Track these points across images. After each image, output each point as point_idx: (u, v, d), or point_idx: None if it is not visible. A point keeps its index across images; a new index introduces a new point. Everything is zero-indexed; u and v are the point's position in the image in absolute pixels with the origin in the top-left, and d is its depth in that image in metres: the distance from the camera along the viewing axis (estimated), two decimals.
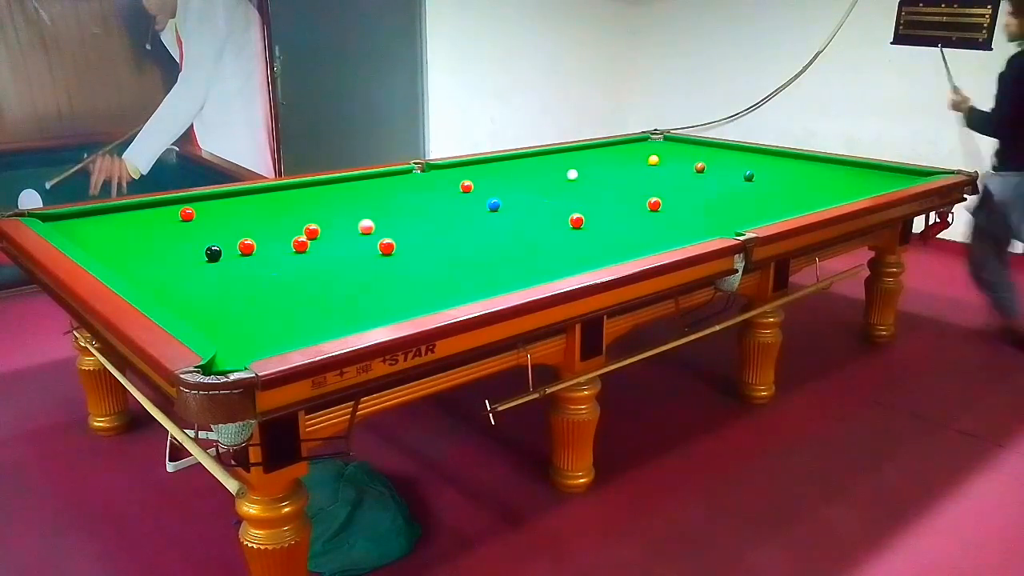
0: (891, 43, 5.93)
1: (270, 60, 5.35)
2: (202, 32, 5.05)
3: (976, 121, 4.04)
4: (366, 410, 2.09)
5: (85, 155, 4.77)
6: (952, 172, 4.07)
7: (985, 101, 5.60)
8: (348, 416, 2.03)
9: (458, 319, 2.10)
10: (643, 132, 5.36)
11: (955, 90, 4.14)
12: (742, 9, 6.74)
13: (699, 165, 4.25)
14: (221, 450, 1.94)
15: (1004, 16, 4.09)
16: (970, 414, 3.43)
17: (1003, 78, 3.94)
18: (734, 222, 3.05)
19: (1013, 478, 2.97)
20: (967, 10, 5.54)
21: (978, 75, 5.54)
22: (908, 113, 5.91)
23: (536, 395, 2.50)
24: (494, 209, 3.32)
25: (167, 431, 2.21)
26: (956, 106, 4.11)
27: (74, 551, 2.51)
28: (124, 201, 3.39)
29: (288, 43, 5.59)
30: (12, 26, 4.41)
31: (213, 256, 2.65)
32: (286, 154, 5.58)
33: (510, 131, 6.70)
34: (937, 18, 5.68)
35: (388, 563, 2.43)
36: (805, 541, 2.60)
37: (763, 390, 3.46)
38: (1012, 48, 4.01)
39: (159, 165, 5.03)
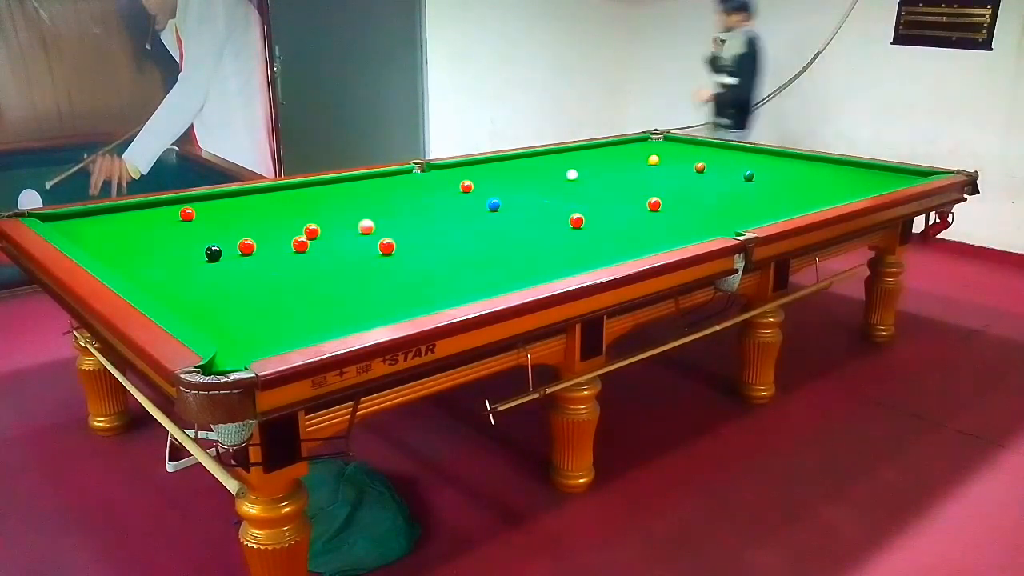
0: (891, 43, 5.93)
1: (270, 60, 5.34)
2: (202, 32, 5.05)
3: (724, 105, 5.29)
4: (366, 410, 2.08)
5: (85, 155, 4.77)
6: (952, 172, 4.07)
7: (983, 98, 5.62)
8: (348, 416, 2.03)
9: (458, 319, 2.09)
10: (643, 132, 5.36)
11: (699, 91, 5.48)
12: None
13: (699, 165, 4.25)
14: (221, 450, 1.94)
15: (722, 14, 5.30)
16: (970, 414, 3.43)
17: (745, 58, 5.12)
18: (734, 222, 3.05)
19: (1013, 478, 2.97)
20: (967, 10, 5.54)
21: (979, 74, 5.59)
22: (908, 113, 5.91)
23: (536, 395, 2.50)
24: (494, 209, 3.31)
25: (167, 431, 2.22)
26: (702, 99, 5.41)
27: (74, 551, 2.51)
28: (124, 201, 3.39)
29: (288, 43, 5.59)
30: (12, 26, 4.41)
31: (213, 256, 2.64)
32: (286, 154, 5.57)
33: (510, 131, 6.70)
34: (937, 18, 5.68)
35: (388, 563, 2.43)
36: (805, 541, 2.60)
37: (763, 390, 3.46)
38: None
39: (159, 165, 5.03)
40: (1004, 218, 5.57)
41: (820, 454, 3.11)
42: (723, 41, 5.32)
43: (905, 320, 4.34)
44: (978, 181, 4.04)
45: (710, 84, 5.48)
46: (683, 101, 7.13)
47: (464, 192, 3.65)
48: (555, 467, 2.83)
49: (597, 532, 2.63)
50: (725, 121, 5.34)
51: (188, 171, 5.10)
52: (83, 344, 2.99)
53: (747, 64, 5.17)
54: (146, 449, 3.05)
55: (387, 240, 2.75)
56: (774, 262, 3.18)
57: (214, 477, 2.00)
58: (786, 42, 6.45)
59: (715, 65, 5.42)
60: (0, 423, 3.27)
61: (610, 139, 5.24)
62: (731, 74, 5.22)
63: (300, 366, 1.80)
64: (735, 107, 5.31)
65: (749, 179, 3.98)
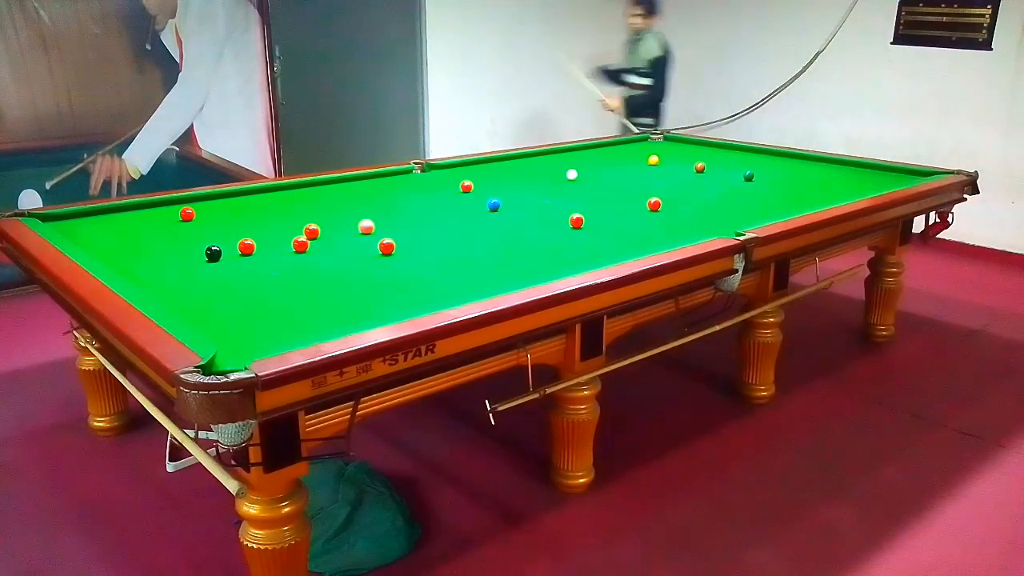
0: (891, 43, 5.93)
1: (270, 60, 5.34)
2: (202, 32, 5.05)
3: (639, 107, 5.39)
4: (366, 410, 2.09)
5: (85, 155, 4.77)
6: (952, 172, 4.07)
7: (983, 98, 5.62)
8: (348, 416, 2.03)
9: (458, 319, 2.09)
10: (643, 132, 5.36)
11: (604, 100, 5.54)
12: (742, 9, 6.74)
13: (699, 165, 4.25)
14: (221, 450, 1.94)
15: (637, 16, 5.34)
16: (970, 414, 3.43)
17: (660, 61, 5.26)
18: (734, 222, 3.05)
19: (1013, 478, 2.97)
20: (967, 10, 5.54)
21: (979, 74, 5.59)
22: (908, 113, 5.91)
23: (536, 395, 2.50)
24: (494, 209, 3.32)
25: (167, 431, 2.21)
26: (611, 108, 5.51)
27: (74, 551, 2.51)
28: (124, 201, 3.39)
29: (288, 43, 5.59)
30: (12, 26, 4.41)
31: (213, 256, 2.64)
32: (286, 154, 5.57)
33: (510, 131, 6.70)
34: (937, 18, 5.68)
35: (388, 563, 2.43)
36: (805, 541, 2.60)
37: (763, 390, 3.46)
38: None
39: (159, 165, 5.03)
40: (1004, 218, 5.57)
41: (820, 454, 3.11)
42: (638, 42, 5.36)
43: (905, 320, 4.34)
44: (978, 181, 4.04)
45: (616, 91, 5.53)
46: (683, 101, 7.14)
47: (464, 192, 3.65)
48: (555, 467, 2.83)
49: (597, 532, 2.63)
50: (648, 121, 5.43)
51: (188, 171, 5.10)
52: (83, 344, 2.98)
53: (664, 65, 5.29)
54: (146, 449, 3.05)
55: (387, 240, 2.75)
56: (774, 262, 3.18)
57: (214, 477, 1.99)
58: (786, 42, 6.47)
59: (615, 72, 5.47)
60: (0, 423, 3.27)
61: (610, 139, 5.24)
62: (645, 75, 5.31)
63: (300, 366, 1.80)
64: (654, 106, 5.41)
65: (749, 179, 3.98)
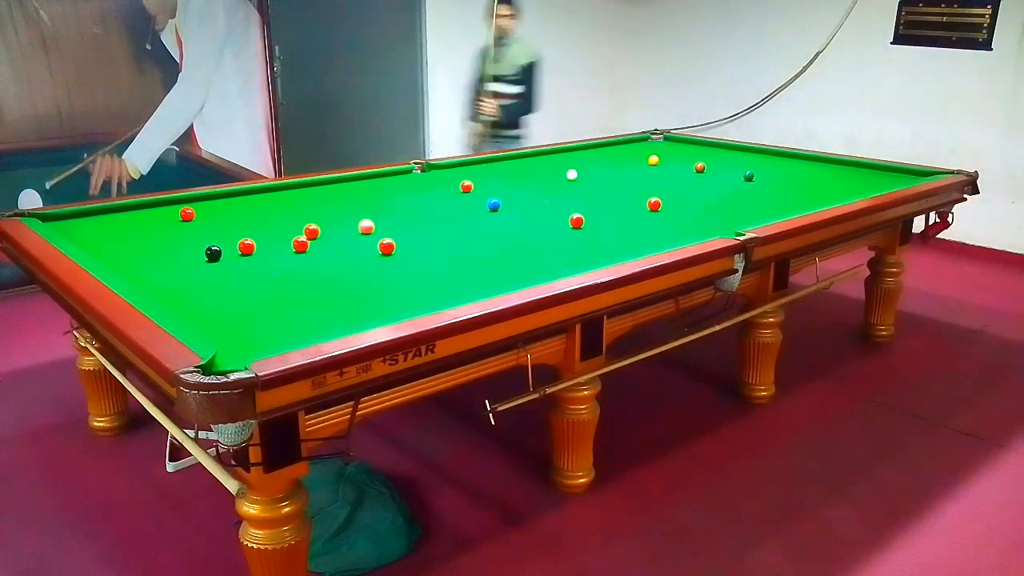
0: (891, 43, 5.93)
1: (270, 60, 5.35)
2: (202, 32, 5.05)
3: (515, 114, 4.95)
4: (366, 410, 2.09)
5: (85, 155, 4.77)
6: (952, 172, 4.07)
7: (983, 98, 5.61)
8: (348, 416, 2.03)
9: (458, 319, 2.10)
10: (643, 132, 5.36)
11: (488, 106, 4.94)
12: (742, 9, 6.74)
13: (699, 165, 4.25)
14: (221, 450, 1.94)
15: (499, 17, 4.94)
16: (970, 414, 3.43)
17: (533, 67, 4.89)
18: (734, 222, 3.05)
19: (1013, 478, 2.97)
20: (967, 10, 5.54)
21: (979, 74, 5.58)
22: (908, 113, 5.91)
23: (536, 395, 2.50)
24: (494, 209, 3.32)
25: (167, 431, 2.22)
26: (489, 112, 4.91)
27: (74, 551, 2.51)
28: (124, 201, 3.39)
29: (288, 43, 5.59)
30: (12, 26, 4.41)
31: (213, 256, 2.65)
32: (286, 154, 5.57)
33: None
34: (937, 18, 5.68)
35: (388, 563, 2.43)
36: (805, 541, 2.60)
37: (763, 390, 3.46)
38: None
39: (159, 165, 5.03)
40: (1004, 218, 5.57)
41: (820, 454, 3.11)
42: (504, 47, 4.93)
43: (905, 320, 4.34)
44: (978, 181, 4.04)
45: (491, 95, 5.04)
46: (683, 101, 7.15)
47: (464, 192, 3.65)
48: (555, 467, 2.83)
49: (597, 532, 2.63)
50: (516, 133, 5.03)
51: (188, 171, 5.11)
52: (83, 344, 2.99)
53: (536, 72, 4.93)
54: (146, 449, 3.05)
55: (387, 240, 2.75)
56: (774, 262, 3.18)
57: (214, 477, 2.00)
58: (786, 42, 6.47)
59: (482, 80, 5.04)
60: (0, 423, 3.27)
61: (610, 139, 5.24)
62: (516, 82, 4.91)
63: (300, 366, 1.80)
64: (523, 116, 5.03)
65: (749, 179, 3.99)
